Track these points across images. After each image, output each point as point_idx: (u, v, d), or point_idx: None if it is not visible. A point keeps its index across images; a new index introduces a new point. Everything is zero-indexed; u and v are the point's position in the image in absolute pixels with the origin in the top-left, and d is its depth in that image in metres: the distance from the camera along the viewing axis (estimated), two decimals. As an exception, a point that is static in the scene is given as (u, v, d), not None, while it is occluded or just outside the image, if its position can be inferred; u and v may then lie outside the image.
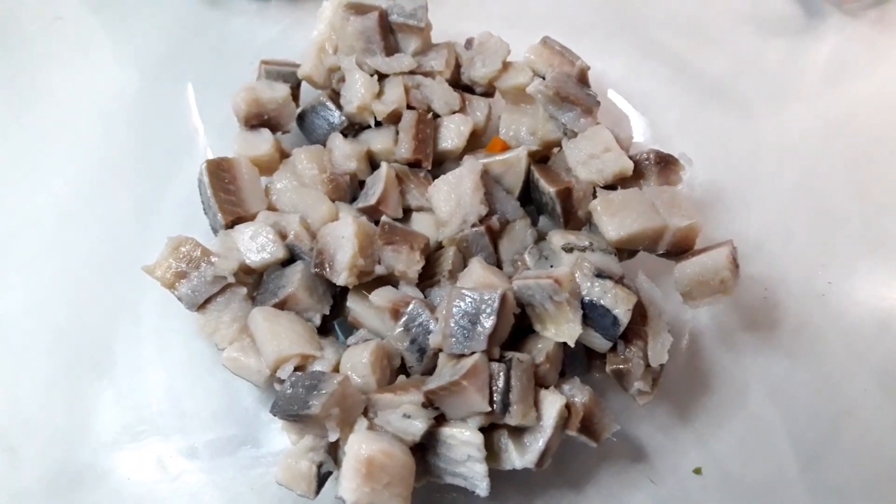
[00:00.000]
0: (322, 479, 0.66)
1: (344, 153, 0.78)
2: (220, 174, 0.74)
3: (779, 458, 0.76)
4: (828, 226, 0.88)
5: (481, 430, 0.63)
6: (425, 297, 0.71)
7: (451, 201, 0.73)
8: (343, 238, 0.69)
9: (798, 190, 0.89)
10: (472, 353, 0.63)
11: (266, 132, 0.79)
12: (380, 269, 0.70)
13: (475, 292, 0.63)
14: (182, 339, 0.79)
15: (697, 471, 0.75)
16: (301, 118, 0.83)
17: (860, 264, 0.86)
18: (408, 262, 0.70)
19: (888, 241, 0.87)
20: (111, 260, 0.83)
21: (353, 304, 0.72)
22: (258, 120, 0.79)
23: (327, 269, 0.70)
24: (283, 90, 0.80)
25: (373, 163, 0.81)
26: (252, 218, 0.75)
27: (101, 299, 0.81)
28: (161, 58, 0.94)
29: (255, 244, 0.72)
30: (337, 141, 0.79)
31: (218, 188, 0.74)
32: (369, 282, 0.71)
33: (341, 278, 0.69)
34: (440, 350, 0.65)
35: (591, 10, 1.00)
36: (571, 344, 0.65)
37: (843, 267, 0.85)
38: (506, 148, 0.79)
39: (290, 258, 0.74)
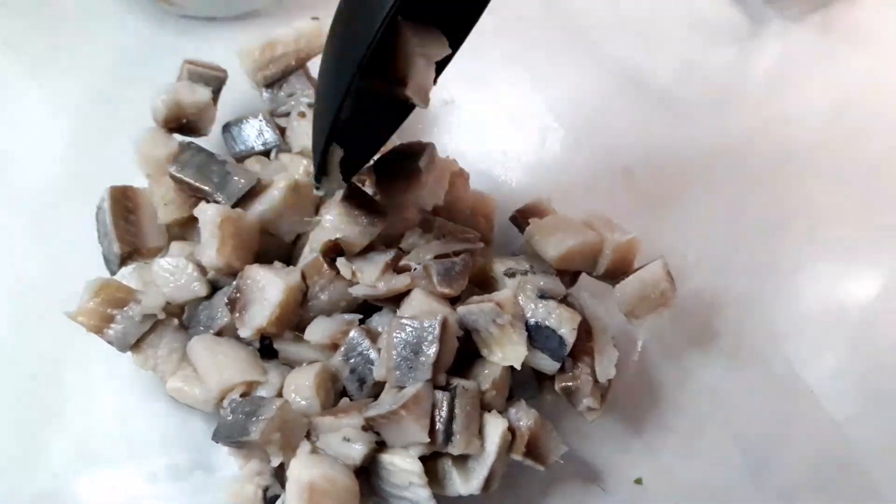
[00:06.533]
0: (269, 502, 0.66)
1: None
2: (124, 203, 0.71)
3: (727, 464, 0.77)
4: (772, 232, 0.88)
5: (425, 457, 0.63)
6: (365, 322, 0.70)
7: None
8: (265, 301, 0.66)
9: (742, 196, 0.90)
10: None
11: (175, 137, 0.76)
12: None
13: (415, 321, 0.62)
14: (130, 363, 0.78)
15: (638, 481, 0.76)
16: (227, 128, 0.81)
17: (805, 270, 0.87)
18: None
19: (833, 247, 0.88)
20: (57, 285, 0.81)
21: (281, 346, 0.70)
22: (177, 123, 0.76)
23: (237, 314, 0.67)
24: (204, 94, 0.76)
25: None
26: (150, 252, 0.72)
27: (48, 325, 0.79)
28: (106, 83, 0.92)
29: (176, 280, 0.70)
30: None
31: (119, 216, 0.71)
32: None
33: (244, 331, 0.67)
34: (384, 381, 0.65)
35: (537, 26, 0.99)
36: (518, 366, 0.65)
37: (787, 273, 0.86)
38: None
39: (213, 289, 0.72)
